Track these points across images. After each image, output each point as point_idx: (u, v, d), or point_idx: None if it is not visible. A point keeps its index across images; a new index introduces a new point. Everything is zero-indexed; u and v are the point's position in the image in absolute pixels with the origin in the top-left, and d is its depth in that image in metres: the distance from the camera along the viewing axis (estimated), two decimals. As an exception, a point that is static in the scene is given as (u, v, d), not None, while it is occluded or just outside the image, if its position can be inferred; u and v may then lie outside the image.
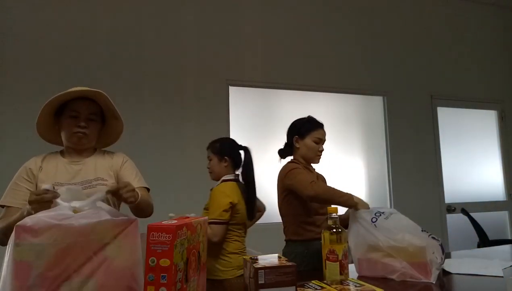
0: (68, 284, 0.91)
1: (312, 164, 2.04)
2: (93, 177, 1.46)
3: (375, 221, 1.52)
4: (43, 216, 0.94)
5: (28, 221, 0.92)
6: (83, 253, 0.93)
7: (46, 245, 0.90)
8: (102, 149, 1.62)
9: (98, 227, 0.95)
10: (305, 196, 1.74)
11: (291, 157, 2.06)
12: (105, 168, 1.51)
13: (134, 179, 1.53)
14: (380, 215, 1.55)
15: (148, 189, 1.58)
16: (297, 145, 1.99)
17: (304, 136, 1.96)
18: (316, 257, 1.70)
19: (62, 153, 1.52)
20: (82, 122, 1.43)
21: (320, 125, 1.99)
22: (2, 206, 1.39)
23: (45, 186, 1.08)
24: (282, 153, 2.08)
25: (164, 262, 0.83)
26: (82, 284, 0.92)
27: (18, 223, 0.92)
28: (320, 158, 2.01)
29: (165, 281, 0.83)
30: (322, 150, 1.99)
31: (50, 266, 0.90)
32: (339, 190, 1.73)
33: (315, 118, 2.03)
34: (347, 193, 1.72)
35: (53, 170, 1.43)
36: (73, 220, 0.95)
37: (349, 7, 3.80)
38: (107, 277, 0.94)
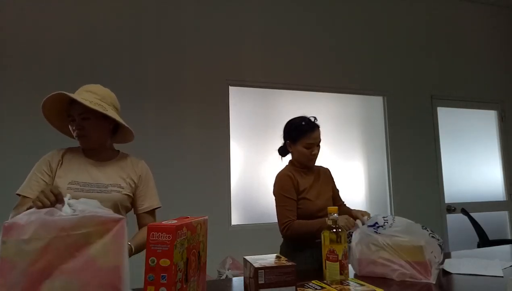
0: (51, 282, 0.90)
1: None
2: (110, 182, 1.45)
3: (376, 230, 1.52)
4: (30, 213, 0.94)
5: (19, 217, 0.92)
6: (66, 250, 0.91)
7: (30, 241, 0.89)
8: (124, 152, 1.63)
9: (81, 222, 0.93)
10: (282, 234, 1.84)
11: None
12: (124, 175, 1.51)
13: (150, 198, 1.57)
14: (379, 227, 1.53)
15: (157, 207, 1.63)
16: (290, 149, 2.00)
17: (295, 141, 1.94)
18: (315, 254, 1.75)
19: (84, 151, 1.51)
20: (76, 124, 1.43)
21: (310, 129, 1.91)
22: (19, 195, 1.38)
23: (65, 198, 1.04)
24: (281, 152, 2.08)
25: (164, 262, 0.83)
26: (65, 282, 0.90)
27: (6, 221, 0.92)
28: (314, 160, 1.99)
29: (165, 281, 0.83)
30: (316, 153, 1.96)
31: (33, 263, 0.89)
32: (311, 222, 1.77)
33: (307, 121, 1.94)
34: (319, 220, 1.75)
35: (73, 167, 1.43)
36: (56, 215, 0.94)
37: (349, 7, 3.80)
38: (91, 276, 0.92)
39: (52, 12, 2.90)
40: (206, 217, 1.16)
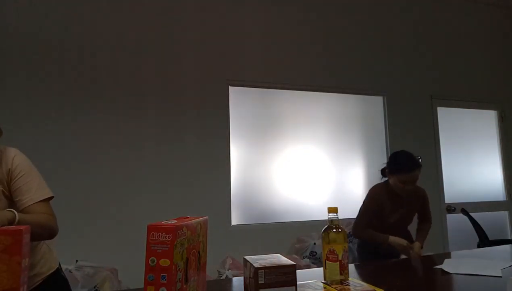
0: None
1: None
2: None
3: None
4: None
5: None
6: None
7: None
8: None
9: None
10: (352, 234, 2.27)
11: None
12: None
13: (33, 190, 1.26)
14: None
15: (50, 198, 1.31)
16: (387, 176, 2.27)
17: (393, 174, 2.18)
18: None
19: None
20: None
21: (409, 170, 2.13)
22: None
23: None
24: (382, 173, 2.33)
25: (164, 262, 0.83)
26: None
27: None
28: (406, 193, 2.20)
29: (165, 281, 0.83)
30: (409, 188, 2.18)
31: None
32: (376, 235, 2.18)
33: (409, 161, 2.16)
34: (383, 236, 2.16)
35: None
36: None
37: (349, 7, 3.80)
38: None
39: (52, 12, 2.90)
40: (206, 217, 1.16)
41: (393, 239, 2.14)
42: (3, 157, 1.27)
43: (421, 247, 2.21)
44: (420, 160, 2.22)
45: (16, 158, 1.29)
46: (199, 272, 1.04)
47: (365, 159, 3.73)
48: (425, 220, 2.39)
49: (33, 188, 1.27)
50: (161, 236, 0.84)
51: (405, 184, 2.16)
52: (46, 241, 1.41)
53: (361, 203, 2.30)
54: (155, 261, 0.83)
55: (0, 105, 2.68)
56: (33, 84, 2.76)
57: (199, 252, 1.04)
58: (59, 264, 1.47)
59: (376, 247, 2.24)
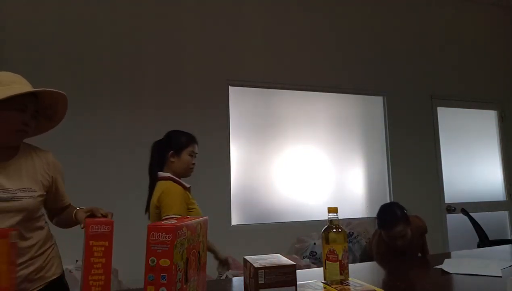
0: None
1: None
2: (18, 186, 1.20)
3: None
4: None
5: None
6: None
7: None
8: (26, 143, 1.34)
9: None
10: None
11: None
12: (35, 175, 1.26)
13: (65, 191, 1.41)
14: None
15: None
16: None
17: (380, 229, 2.15)
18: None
19: None
20: (28, 119, 1.21)
21: (389, 228, 2.05)
22: None
23: None
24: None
25: (164, 262, 0.83)
26: None
27: None
28: (399, 248, 2.09)
29: (165, 281, 0.83)
30: (399, 244, 2.05)
31: None
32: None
33: (390, 216, 2.06)
34: None
35: None
36: None
37: (349, 7, 3.80)
38: None
39: (52, 12, 2.90)
40: (206, 217, 1.16)
41: None
42: (45, 160, 1.33)
43: None
44: (399, 213, 2.02)
45: (56, 161, 1.39)
46: (199, 272, 1.04)
47: (365, 159, 3.73)
48: (424, 251, 2.25)
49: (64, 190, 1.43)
50: (161, 236, 0.84)
51: (393, 241, 2.03)
52: (55, 247, 1.43)
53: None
54: (155, 261, 0.83)
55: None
56: (33, 83, 2.75)
57: (199, 252, 1.04)
58: (63, 271, 1.46)
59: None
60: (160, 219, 1.75)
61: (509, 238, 4.12)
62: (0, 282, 0.85)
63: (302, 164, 3.46)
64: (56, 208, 1.42)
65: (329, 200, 3.49)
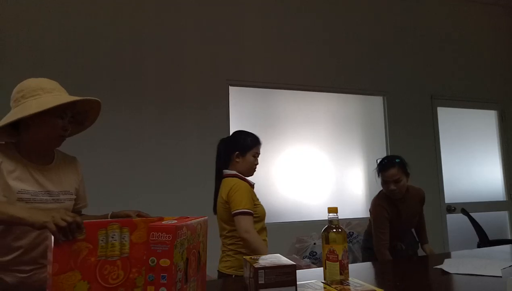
0: None
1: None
2: (60, 189, 1.33)
3: None
4: None
5: None
6: None
7: None
8: (58, 150, 1.44)
9: None
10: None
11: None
12: (70, 179, 1.40)
13: (86, 195, 1.52)
14: None
15: None
16: None
17: (378, 176, 2.35)
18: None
19: (18, 150, 1.29)
20: (67, 125, 1.32)
21: (384, 169, 2.25)
22: None
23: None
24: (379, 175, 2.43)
25: (164, 262, 0.83)
26: None
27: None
28: (396, 194, 2.28)
29: (165, 281, 0.83)
30: (393, 189, 2.24)
31: None
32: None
33: (386, 159, 2.31)
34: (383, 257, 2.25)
35: (17, 174, 1.24)
36: None
37: (349, 7, 3.79)
38: None
39: (52, 12, 2.90)
40: (206, 217, 1.16)
41: None
42: (75, 165, 1.47)
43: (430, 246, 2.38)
44: (398, 160, 2.22)
45: (80, 166, 1.52)
46: (199, 272, 1.04)
47: (365, 159, 3.73)
48: (421, 216, 2.46)
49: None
50: (161, 236, 0.84)
51: (387, 184, 2.22)
52: None
53: (367, 216, 2.43)
54: (155, 261, 0.83)
55: (1, 102, 2.68)
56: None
57: (199, 252, 1.04)
58: None
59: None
60: (229, 214, 1.80)
61: (509, 238, 4.12)
62: None
63: (302, 164, 3.46)
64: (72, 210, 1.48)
65: (329, 200, 3.49)
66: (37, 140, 1.29)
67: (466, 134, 4.18)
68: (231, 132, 3.27)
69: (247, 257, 1.24)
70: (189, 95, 3.16)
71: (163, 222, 0.92)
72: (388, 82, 3.85)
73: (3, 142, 1.30)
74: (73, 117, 1.37)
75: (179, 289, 0.87)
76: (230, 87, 3.32)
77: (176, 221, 0.94)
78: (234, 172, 1.93)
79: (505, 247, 2.20)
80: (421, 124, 3.94)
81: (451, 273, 1.49)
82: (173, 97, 3.11)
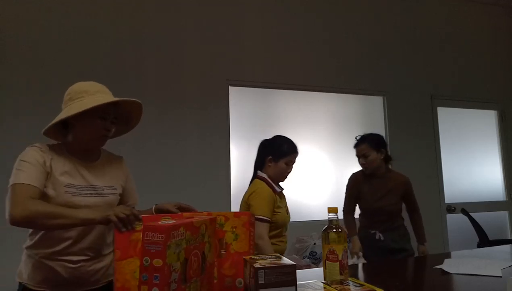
0: None
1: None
2: (104, 184, 1.42)
3: None
4: None
5: None
6: None
7: None
8: (104, 149, 1.54)
9: None
10: None
11: None
12: (114, 175, 1.48)
13: (135, 193, 1.59)
14: None
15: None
16: None
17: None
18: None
19: (67, 148, 1.41)
20: (109, 125, 1.39)
21: (355, 145, 2.48)
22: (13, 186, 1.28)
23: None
24: None
25: (157, 262, 0.82)
26: None
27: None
28: (368, 168, 2.47)
29: (158, 281, 0.82)
30: (363, 163, 2.43)
31: None
32: (348, 226, 2.49)
33: (358, 137, 2.47)
34: (351, 231, 2.47)
35: (65, 169, 1.34)
36: None
37: (349, 7, 3.79)
38: None
39: (52, 12, 2.90)
40: (214, 217, 1.15)
41: (354, 240, 2.36)
42: (120, 163, 1.54)
43: (425, 247, 2.38)
44: (369, 137, 2.40)
45: (126, 164, 1.58)
46: (203, 273, 1.03)
47: (365, 159, 3.73)
48: (414, 210, 2.52)
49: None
50: (155, 236, 0.83)
51: (358, 158, 2.41)
52: None
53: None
54: (149, 261, 0.83)
55: (1, 100, 2.68)
56: (33, 83, 2.76)
57: (203, 252, 1.03)
58: None
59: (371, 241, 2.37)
60: None
61: (509, 238, 4.12)
62: None
63: (302, 164, 3.46)
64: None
65: (329, 200, 3.49)
66: (81, 139, 1.39)
67: (466, 134, 4.18)
68: (231, 133, 3.28)
69: (247, 257, 1.24)
70: (189, 95, 3.16)
71: (159, 222, 0.92)
72: (388, 82, 3.85)
73: (56, 143, 1.43)
74: (116, 118, 1.43)
75: (174, 290, 0.86)
76: (230, 87, 3.32)
77: (174, 221, 0.93)
78: (264, 176, 1.95)
79: (505, 247, 2.20)
80: (421, 124, 3.94)
81: (451, 273, 1.48)
82: (173, 97, 3.11)
